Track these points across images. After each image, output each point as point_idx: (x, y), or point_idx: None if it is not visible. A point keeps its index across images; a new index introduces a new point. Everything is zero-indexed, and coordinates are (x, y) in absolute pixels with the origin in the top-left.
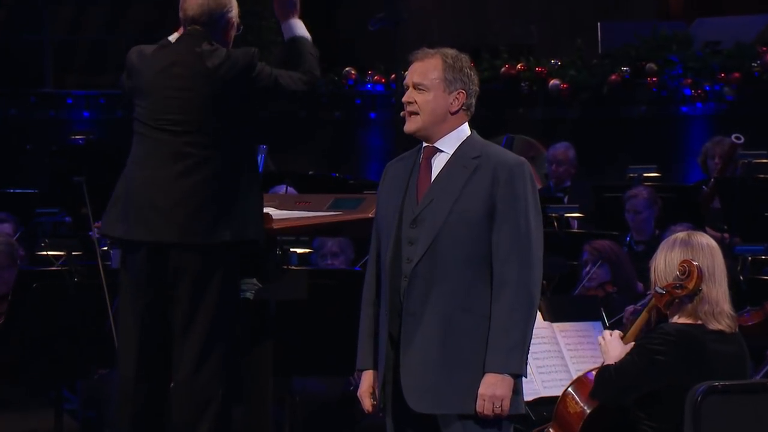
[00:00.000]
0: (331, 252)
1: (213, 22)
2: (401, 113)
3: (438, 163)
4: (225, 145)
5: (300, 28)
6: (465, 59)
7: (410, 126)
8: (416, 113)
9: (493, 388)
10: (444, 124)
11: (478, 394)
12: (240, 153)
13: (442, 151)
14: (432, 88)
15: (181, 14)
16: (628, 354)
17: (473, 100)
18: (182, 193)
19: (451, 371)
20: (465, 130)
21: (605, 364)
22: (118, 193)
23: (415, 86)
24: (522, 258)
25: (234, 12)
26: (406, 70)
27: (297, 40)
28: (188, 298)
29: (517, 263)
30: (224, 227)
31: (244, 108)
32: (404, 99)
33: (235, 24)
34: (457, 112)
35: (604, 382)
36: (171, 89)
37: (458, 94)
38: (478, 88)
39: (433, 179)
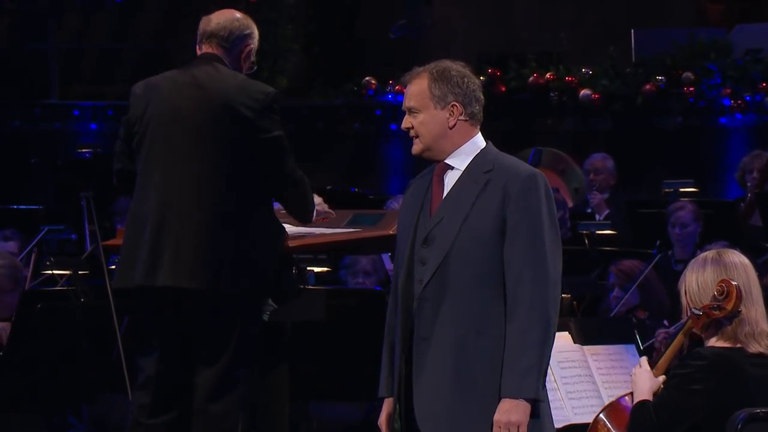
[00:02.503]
0: (364, 270)
1: (232, 42)
2: None
3: (450, 179)
4: (236, 182)
5: None
6: (455, 68)
7: (414, 149)
8: (417, 137)
9: (507, 414)
10: (446, 140)
11: (494, 421)
12: (253, 193)
13: (454, 167)
14: (423, 108)
15: (199, 30)
16: (664, 389)
17: (476, 108)
18: (193, 234)
19: (465, 397)
20: (477, 142)
21: (639, 400)
22: (126, 236)
23: (409, 111)
24: (536, 275)
25: (254, 42)
26: None
27: None
28: (208, 336)
29: (531, 281)
30: (242, 273)
31: (251, 144)
32: (402, 126)
33: (252, 56)
34: (455, 125)
35: (643, 423)
36: (180, 116)
37: (452, 107)
38: (479, 94)
39: (444, 196)
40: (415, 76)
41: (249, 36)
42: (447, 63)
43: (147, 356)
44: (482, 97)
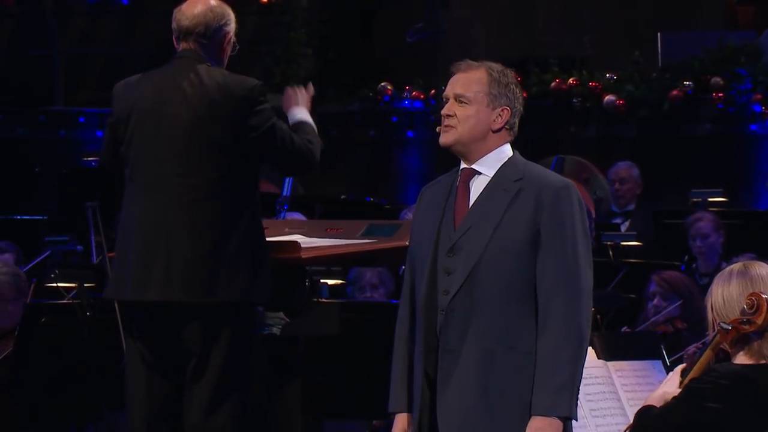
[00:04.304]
0: (371, 284)
1: (210, 34)
2: (437, 128)
3: (477, 187)
4: (224, 186)
5: (304, 113)
6: (511, 75)
7: (447, 138)
8: (454, 127)
9: None
10: (483, 142)
11: None
12: (242, 197)
13: (481, 174)
14: (475, 101)
15: (174, 25)
16: (674, 398)
17: (517, 120)
18: (184, 246)
19: (492, 413)
20: (506, 150)
21: (645, 404)
22: (117, 247)
23: (457, 98)
24: (570, 289)
25: (232, 26)
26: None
27: (303, 123)
28: (198, 351)
29: (564, 295)
30: (230, 285)
31: (242, 144)
32: (443, 111)
33: (232, 41)
34: (499, 130)
35: (641, 427)
36: (166, 123)
37: (502, 110)
38: (522, 108)
39: (471, 204)
40: (471, 67)
41: (226, 24)
42: (501, 65)
43: (138, 371)
44: (522, 112)
